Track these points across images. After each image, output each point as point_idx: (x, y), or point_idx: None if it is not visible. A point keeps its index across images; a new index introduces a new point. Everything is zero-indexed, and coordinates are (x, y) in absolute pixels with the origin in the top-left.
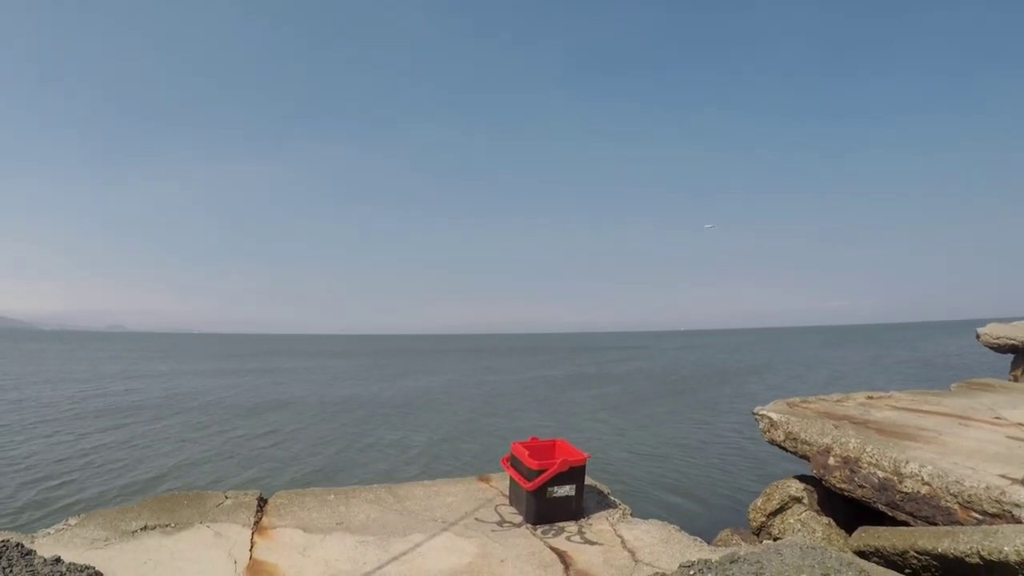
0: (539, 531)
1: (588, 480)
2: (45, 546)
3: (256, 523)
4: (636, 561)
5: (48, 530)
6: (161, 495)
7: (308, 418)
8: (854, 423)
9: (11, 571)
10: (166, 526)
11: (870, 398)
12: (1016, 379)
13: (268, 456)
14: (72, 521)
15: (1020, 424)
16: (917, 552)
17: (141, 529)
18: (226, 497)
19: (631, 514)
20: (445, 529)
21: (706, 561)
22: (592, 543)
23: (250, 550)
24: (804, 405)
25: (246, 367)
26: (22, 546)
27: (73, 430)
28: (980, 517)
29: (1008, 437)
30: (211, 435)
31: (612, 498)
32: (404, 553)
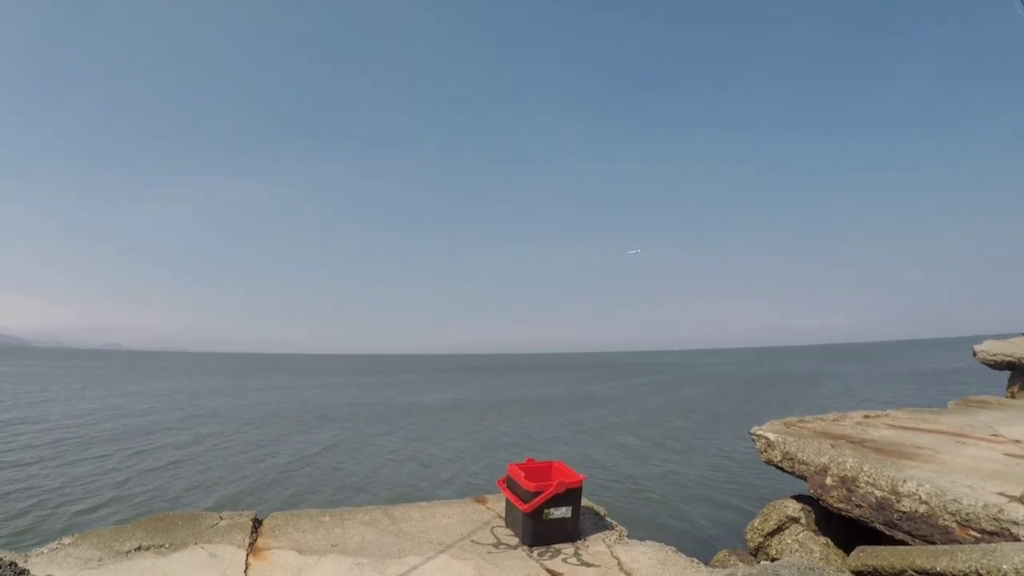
0: (535, 553)
1: (584, 501)
2: (39, 565)
3: (251, 544)
4: None
5: (42, 549)
6: (155, 515)
7: (302, 438)
8: (851, 442)
9: None
10: (160, 547)
11: (867, 417)
12: (1013, 396)
13: (263, 476)
14: (66, 541)
15: (1017, 441)
16: (915, 571)
17: (135, 549)
18: (221, 518)
19: (628, 535)
20: (441, 551)
21: None
22: (588, 565)
23: (244, 572)
24: (801, 425)
25: (245, 386)
26: (15, 565)
27: (70, 450)
28: (978, 535)
29: (1006, 454)
30: (206, 455)
31: (609, 519)
32: None
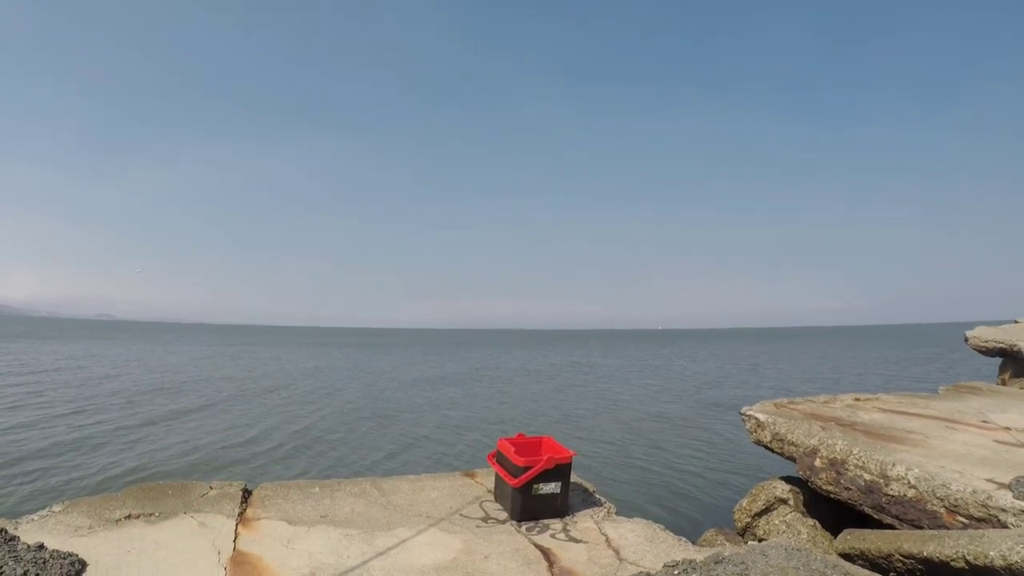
0: (524, 528)
1: (574, 478)
2: (29, 532)
3: (240, 514)
4: (620, 560)
5: (32, 516)
6: (146, 484)
7: (293, 408)
8: (841, 425)
9: None
10: (150, 515)
11: (857, 400)
12: (1004, 382)
13: (252, 446)
14: (56, 508)
15: (1007, 428)
16: (903, 556)
17: (125, 518)
18: (211, 487)
19: (616, 512)
20: (430, 524)
21: (691, 561)
22: (577, 541)
23: (234, 541)
24: (791, 406)
25: (234, 356)
26: (6, 532)
27: (59, 417)
28: (966, 521)
29: (995, 441)
30: (196, 424)
31: (597, 496)
32: (389, 548)
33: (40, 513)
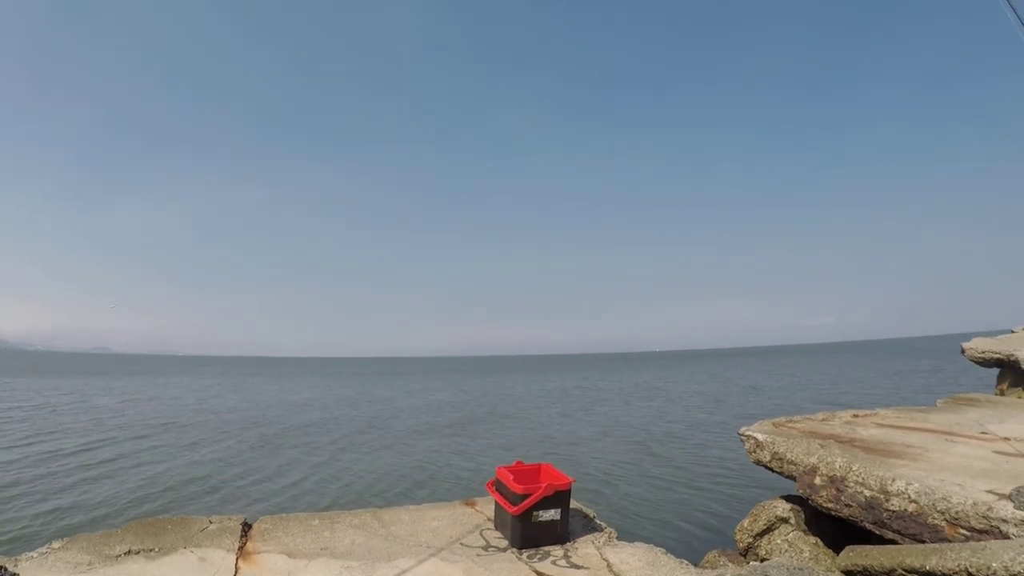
0: (525, 555)
1: (573, 504)
2: (28, 569)
3: (240, 548)
4: None
5: (32, 553)
6: (145, 519)
7: (292, 441)
8: (840, 442)
9: None
10: (150, 551)
11: (856, 416)
12: (1002, 393)
13: (252, 479)
14: (56, 544)
15: (1006, 438)
16: (905, 570)
17: (125, 554)
18: (210, 522)
19: (617, 537)
20: (431, 554)
21: None
22: (578, 567)
23: (234, 575)
24: (790, 425)
25: (237, 388)
26: (5, 569)
27: (58, 455)
28: (968, 534)
29: (995, 452)
30: (195, 458)
31: (598, 521)
32: None
33: (40, 550)
